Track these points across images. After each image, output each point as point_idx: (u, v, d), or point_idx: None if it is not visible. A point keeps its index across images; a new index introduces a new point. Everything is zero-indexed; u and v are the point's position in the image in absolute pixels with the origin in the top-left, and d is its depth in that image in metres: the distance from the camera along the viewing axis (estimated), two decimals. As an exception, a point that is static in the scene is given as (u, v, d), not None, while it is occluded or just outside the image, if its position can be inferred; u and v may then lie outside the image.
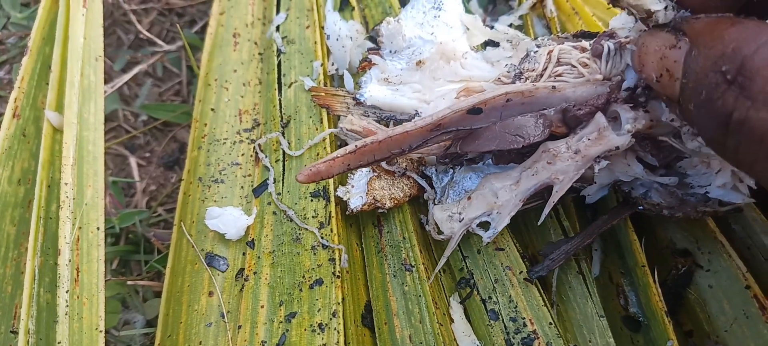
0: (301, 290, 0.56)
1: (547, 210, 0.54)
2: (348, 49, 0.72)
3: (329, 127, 0.65)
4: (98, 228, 0.58)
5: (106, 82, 0.87)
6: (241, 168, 0.66)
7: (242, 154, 0.67)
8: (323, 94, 0.67)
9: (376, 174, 0.61)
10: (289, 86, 0.70)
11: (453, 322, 0.56)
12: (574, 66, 0.56)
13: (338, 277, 0.56)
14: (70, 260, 0.54)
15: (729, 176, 0.52)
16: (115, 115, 0.88)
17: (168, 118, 0.87)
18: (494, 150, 0.55)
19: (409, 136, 0.53)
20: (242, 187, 0.65)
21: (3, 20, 0.95)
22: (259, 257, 0.59)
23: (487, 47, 0.71)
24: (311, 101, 0.67)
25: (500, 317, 0.56)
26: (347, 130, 0.64)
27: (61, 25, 0.70)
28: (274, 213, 0.61)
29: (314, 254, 0.58)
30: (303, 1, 0.78)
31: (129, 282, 0.73)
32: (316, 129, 0.65)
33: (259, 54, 0.77)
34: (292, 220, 0.60)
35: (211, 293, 0.58)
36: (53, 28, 0.72)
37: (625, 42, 0.53)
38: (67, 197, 0.57)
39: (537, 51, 0.59)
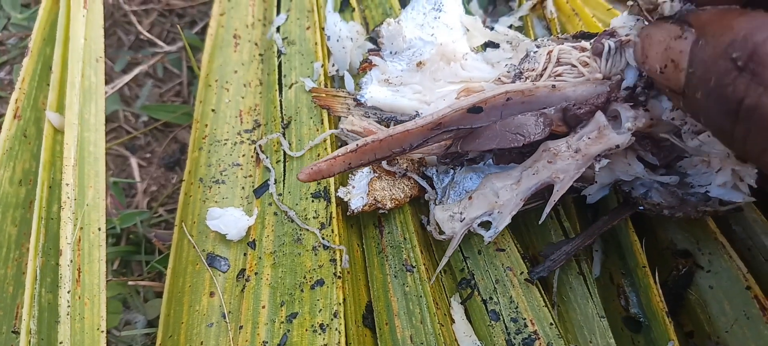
0: (302, 290, 0.56)
1: (548, 209, 0.55)
2: (348, 50, 0.73)
3: (330, 128, 0.65)
4: (99, 229, 0.58)
5: (106, 83, 0.87)
6: (242, 169, 0.67)
7: (243, 155, 0.67)
8: (324, 95, 0.67)
9: (377, 175, 0.61)
10: (290, 87, 0.70)
11: (454, 322, 0.56)
12: (574, 65, 0.56)
13: (339, 277, 0.56)
14: (71, 261, 0.54)
15: (729, 175, 0.52)
16: (115, 116, 0.88)
17: (169, 119, 0.87)
18: (495, 149, 0.55)
19: (409, 135, 0.53)
20: (243, 187, 0.65)
21: (3, 21, 0.95)
22: (260, 258, 0.59)
23: (487, 48, 0.71)
24: (312, 102, 0.67)
25: (501, 317, 0.56)
26: (348, 131, 0.64)
27: (62, 26, 0.70)
28: (275, 214, 0.61)
29: (315, 254, 0.58)
30: (303, 2, 0.78)
31: (130, 282, 0.73)
32: (317, 130, 0.65)
33: (260, 55, 0.77)
34: (293, 220, 0.60)
35: (212, 294, 0.58)
36: (54, 29, 0.72)
37: (625, 40, 0.53)
38: (69, 197, 0.57)
39: (537, 51, 0.59)
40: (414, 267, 0.58)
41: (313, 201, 0.61)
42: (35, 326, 0.54)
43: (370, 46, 0.73)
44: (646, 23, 0.48)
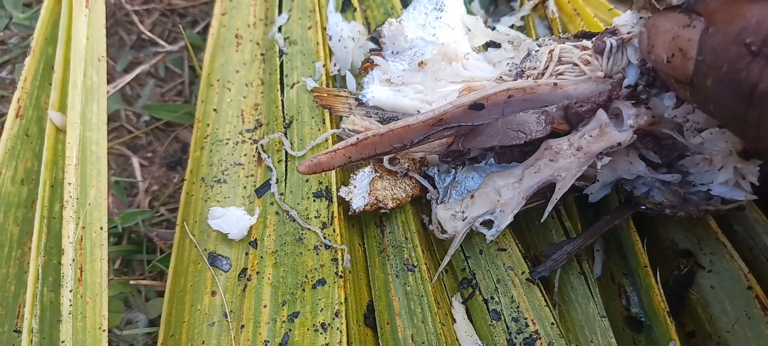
0: (303, 289, 0.56)
1: (550, 207, 0.55)
2: (350, 50, 0.73)
3: (331, 128, 0.65)
4: (101, 228, 0.58)
5: (108, 82, 0.87)
6: (243, 168, 0.67)
7: (245, 155, 0.68)
8: (325, 94, 0.67)
9: (378, 174, 0.61)
10: (292, 87, 0.70)
11: (455, 322, 0.56)
12: (575, 64, 0.56)
13: (341, 277, 0.56)
14: (73, 260, 0.54)
15: (731, 173, 0.52)
16: (117, 116, 0.88)
17: (170, 119, 0.87)
18: (496, 146, 0.55)
19: (410, 131, 0.53)
20: (245, 187, 0.65)
21: (5, 20, 0.95)
22: (261, 257, 0.59)
23: (489, 48, 0.71)
24: (313, 102, 0.67)
25: (502, 317, 0.56)
26: (349, 130, 0.64)
27: (64, 25, 0.70)
28: (277, 213, 0.61)
29: (317, 254, 0.58)
30: (305, 1, 0.78)
31: (132, 282, 0.73)
32: (319, 129, 0.65)
33: (262, 55, 0.77)
34: (294, 220, 0.60)
35: (213, 293, 0.58)
36: (56, 29, 0.72)
37: (627, 38, 0.53)
38: (71, 196, 0.57)
39: (538, 50, 0.59)
40: (415, 267, 0.58)
41: (314, 200, 0.61)
42: (37, 325, 0.54)
43: (372, 45, 0.73)
44: (652, 13, 0.48)
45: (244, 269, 0.59)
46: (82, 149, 0.62)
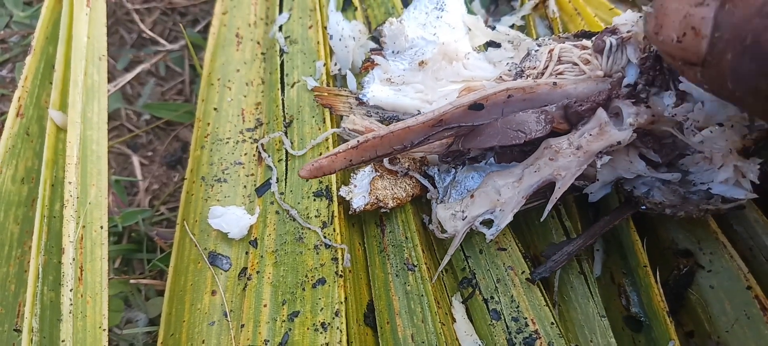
0: (303, 289, 0.56)
1: (549, 206, 0.55)
2: (351, 50, 0.73)
3: (332, 127, 0.65)
4: (102, 227, 0.58)
5: (108, 81, 0.87)
6: (244, 167, 0.67)
7: (245, 154, 0.68)
8: (326, 94, 0.68)
9: (378, 174, 0.61)
10: (292, 86, 0.70)
11: (455, 322, 0.56)
12: (575, 63, 0.56)
13: (341, 276, 0.56)
14: (73, 259, 0.55)
15: (731, 172, 0.52)
16: (117, 114, 0.88)
17: (171, 118, 0.87)
18: (496, 146, 0.55)
19: (410, 132, 0.53)
20: (245, 186, 0.65)
21: (6, 19, 0.95)
22: (262, 256, 0.59)
23: (489, 48, 0.71)
24: (314, 101, 0.68)
25: (502, 316, 0.56)
26: (350, 130, 0.64)
27: (65, 24, 0.70)
28: (277, 212, 0.61)
29: (317, 253, 0.58)
30: (306, 1, 0.78)
31: (132, 281, 0.73)
32: (319, 129, 0.66)
33: (262, 54, 0.77)
34: (294, 219, 0.60)
35: (214, 292, 0.58)
36: (57, 28, 0.72)
37: (626, 37, 0.54)
38: (71, 195, 0.57)
39: (538, 50, 0.59)
40: (415, 266, 0.58)
41: (314, 200, 0.61)
42: (37, 324, 0.54)
43: (373, 45, 0.73)
44: None
45: (244, 269, 0.59)
46: (82, 148, 0.62)
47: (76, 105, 0.63)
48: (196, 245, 0.61)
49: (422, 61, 0.66)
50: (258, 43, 0.78)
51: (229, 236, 0.61)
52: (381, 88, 0.67)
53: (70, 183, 0.58)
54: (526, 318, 0.55)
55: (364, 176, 0.61)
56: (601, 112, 0.52)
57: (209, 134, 0.69)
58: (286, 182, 0.63)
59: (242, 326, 0.55)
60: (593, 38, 0.57)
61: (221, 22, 0.80)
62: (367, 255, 0.62)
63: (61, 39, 0.70)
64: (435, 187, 0.61)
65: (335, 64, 0.73)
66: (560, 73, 0.56)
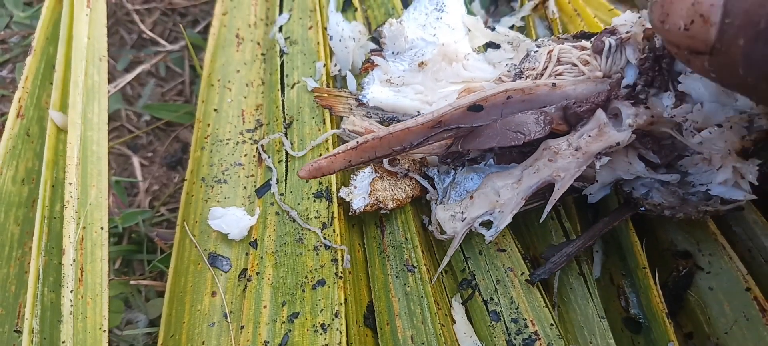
0: (303, 290, 0.56)
1: (548, 207, 0.55)
2: (351, 50, 0.73)
3: (332, 128, 0.65)
4: (102, 228, 0.59)
5: (109, 81, 0.87)
6: (244, 168, 0.67)
7: (245, 155, 0.68)
8: (326, 95, 0.68)
9: (378, 175, 0.61)
10: (292, 87, 0.70)
11: (455, 323, 0.57)
12: (574, 64, 0.56)
13: (341, 277, 0.56)
14: (74, 260, 0.55)
15: (730, 173, 0.52)
16: (118, 115, 0.88)
17: (171, 118, 0.87)
18: (495, 147, 0.55)
19: (410, 133, 0.53)
20: (245, 187, 0.65)
21: (6, 19, 0.95)
22: (261, 258, 0.59)
23: (489, 49, 0.71)
24: (314, 102, 0.68)
25: (502, 318, 0.56)
26: (349, 131, 0.64)
27: (65, 24, 0.70)
28: (277, 214, 0.61)
29: (317, 254, 0.58)
30: (306, 1, 0.78)
31: (132, 282, 0.73)
32: (319, 130, 0.66)
33: (262, 55, 0.77)
34: (294, 220, 0.60)
35: (214, 293, 0.59)
36: (57, 28, 0.73)
37: (626, 38, 0.54)
38: (72, 196, 0.58)
39: (537, 51, 0.59)
40: (415, 267, 0.58)
41: (314, 201, 0.61)
42: (38, 325, 0.54)
43: (373, 46, 0.73)
44: None
45: (244, 270, 0.59)
46: (83, 149, 0.62)
47: (77, 106, 0.63)
48: (196, 246, 0.61)
49: (422, 62, 0.67)
50: (258, 44, 0.78)
51: (229, 237, 0.61)
52: (381, 89, 0.67)
53: (70, 184, 0.58)
54: (526, 319, 0.55)
55: (363, 177, 0.61)
56: (600, 113, 0.52)
57: (209, 135, 0.69)
58: (286, 183, 0.63)
59: (242, 327, 0.55)
60: (592, 39, 0.57)
61: (221, 22, 0.80)
62: (366, 256, 0.62)
63: (61, 40, 0.70)
64: (434, 188, 0.61)
65: (335, 65, 0.73)
66: (559, 74, 0.56)
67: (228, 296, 0.58)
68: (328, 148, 0.64)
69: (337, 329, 0.53)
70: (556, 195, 0.54)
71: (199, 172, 0.67)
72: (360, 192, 0.60)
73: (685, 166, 0.55)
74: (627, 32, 0.54)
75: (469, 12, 0.76)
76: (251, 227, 0.62)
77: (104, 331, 0.53)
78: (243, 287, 0.58)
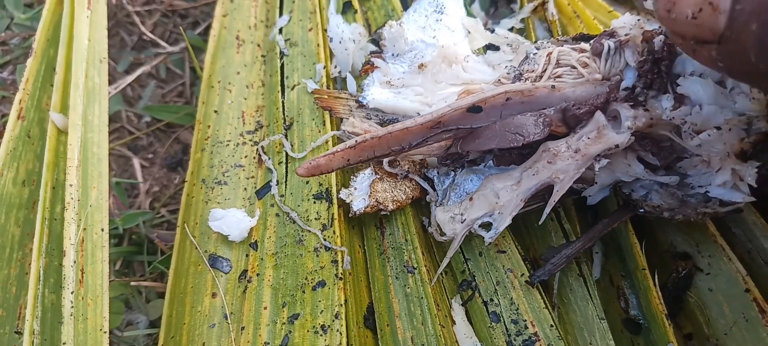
0: (303, 291, 0.56)
1: (548, 209, 0.55)
2: (351, 52, 0.73)
3: (332, 130, 0.66)
4: (102, 229, 0.59)
5: (109, 83, 0.87)
6: (244, 170, 0.67)
7: (245, 156, 0.68)
8: (326, 96, 0.68)
9: (378, 176, 0.61)
10: (292, 88, 0.70)
11: (455, 324, 0.57)
12: (573, 66, 0.56)
13: (341, 279, 0.56)
14: (74, 262, 0.55)
15: (729, 175, 0.52)
16: (118, 117, 0.88)
17: (171, 120, 0.88)
18: (494, 149, 0.55)
19: (409, 133, 0.53)
20: (245, 189, 0.66)
21: (6, 21, 0.95)
22: (262, 259, 0.59)
23: (488, 51, 0.71)
24: (314, 104, 0.68)
25: (502, 319, 0.56)
26: (349, 132, 0.64)
27: (66, 26, 0.70)
28: (277, 215, 0.61)
29: (317, 255, 0.58)
30: (306, 3, 0.78)
31: (132, 283, 0.73)
32: (319, 131, 0.66)
33: (262, 56, 0.78)
34: (295, 222, 0.60)
35: (214, 295, 0.59)
36: (57, 30, 0.73)
37: (624, 40, 0.54)
38: (72, 198, 0.58)
39: (536, 53, 0.59)
40: (415, 269, 0.58)
41: (314, 202, 0.61)
42: (38, 327, 0.54)
43: (372, 47, 0.73)
44: None
45: (245, 271, 0.60)
46: (83, 151, 0.62)
47: (77, 107, 0.63)
48: (196, 248, 0.61)
49: (422, 64, 0.67)
50: (258, 45, 0.78)
51: (230, 239, 0.61)
52: (381, 91, 0.67)
53: (71, 186, 0.58)
54: (526, 320, 0.55)
55: (363, 179, 0.61)
56: (599, 116, 0.52)
57: (210, 137, 0.69)
58: (286, 185, 0.63)
59: (242, 328, 0.55)
60: (591, 41, 0.57)
61: (221, 24, 0.80)
62: (367, 257, 0.62)
63: (62, 41, 0.70)
64: (434, 189, 0.62)
65: (335, 67, 0.73)
66: (558, 77, 0.56)
67: (228, 297, 0.59)
68: (327, 150, 0.64)
69: (338, 331, 0.53)
70: (556, 197, 0.54)
71: (199, 173, 0.67)
72: (360, 193, 0.60)
73: (684, 168, 0.55)
74: (626, 35, 0.54)
75: (469, 14, 0.76)
76: (251, 229, 0.62)
77: (105, 332, 0.53)
78: (243, 289, 0.58)
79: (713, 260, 0.58)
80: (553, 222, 0.62)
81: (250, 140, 0.69)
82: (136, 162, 0.85)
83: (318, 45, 0.73)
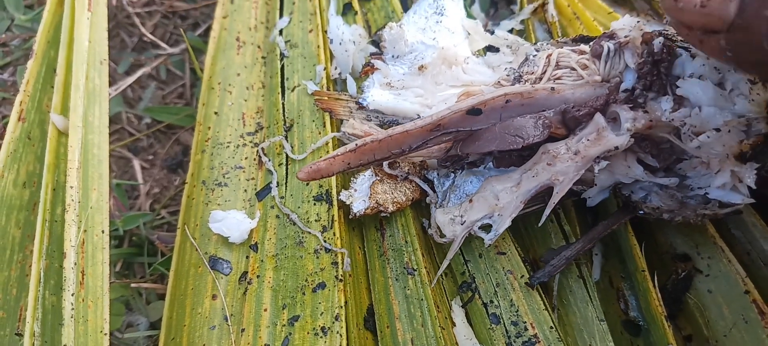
0: (304, 293, 0.56)
1: (547, 211, 0.55)
2: (351, 54, 0.73)
3: (332, 131, 0.66)
4: (103, 231, 0.59)
5: (109, 84, 0.87)
6: (244, 171, 0.67)
7: (245, 158, 0.68)
8: (326, 98, 0.68)
9: (378, 178, 0.61)
10: (292, 90, 0.70)
11: (455, 326, 0.57)
12: (573, 68, 0.56)
13: (341, 280, 0.56)
14: (75, 263, 0.55)
15: (728, 176, 0.52)
16: (118, 118, 0.88)
17: (171, 121, 0.88)
18: (494, 151, 0.55)
19: (408, 136, 0.54)
20: (245, 190, 0.66)
21: (7, 22, 0.95)
22: (262, 261, 0.59)
23: (488, 52, 0.71)
24: (314, 105, 0.68)
25: (501, 320, 0.56)
26: (349, 134, 0.64)
27: (67, 28, 0.70)
28: (278, 217, 0.62)
29: (317, 257, 0.58)
30: (306, 5, 0.78)
31: (133, 285, 0.73)
32: (319, 133, 0.66)
33: (263, 58, 0.78)
34: (295, 223, 0.60)
35: (214, 296, 0.59)
36: (58, 32, 0.73)
37: (624, 42, 0.54)
38: (73, 200, 0.58)
39: (536, 55, 0.60)
40: (415, 270, 0.58)
41: (315, 204, 0.61)
42: (39, 329, 0.54)
43: (373, 49, 0.73)
44: None
45: (245, 273, 0.60)
46: (84, 152, 0.62)
47: (78, 109, 0.63)
48: (196, 249, 0.62)
49: (422, 66, 0.67)
50: (258, 47, 0.79)
51: (230, 240, 0.61)
52: (381, 93, 0.67)
53: (71, 187, 0.58)
54: (526, 322, 0.55)
55: (364, 180, 0.61)
56: (598, 117, 0.52)
57: (210, 138, 0.70)
58: (286, 186, 0.64)
59: (243, 330, 0.55)
60: (591, 43, 0.57)
61: (222, 26, 0.80)
62: (367, 259, 0.62)
63: (62, 43, 0.70)
64: (434, 191, 0.62)
65: (335, 68, 0.73)
66: (558, 78, 0.56)
67: (228, 299, 0.59)
68: (328, 152, 0.64)
69: (338, 332, 0.53)
70: (555, 199, 0.54)
71: (199, 175, 0.67)
72: (360, 195, 0.60)
73: (684, 170, 0.55)
74: (625, 36, 0.54)
75: (469, 15, 0.76)
76: (252, 230, 0.62)
77: (105, 334, 0.54)
78: (243, 290, 0.59)
79: (713, 261, 0.58)
80: (552, 224, 0.62)
81: (251, 142, 0.69)
82: (137, 163, 0.85)
83: (318, 46, 0.73)
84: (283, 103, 0.70)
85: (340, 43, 0.74)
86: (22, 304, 0.60)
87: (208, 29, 0.94)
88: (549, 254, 0.59)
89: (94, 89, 0.67)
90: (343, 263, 0.57)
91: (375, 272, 0.60)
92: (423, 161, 0.63)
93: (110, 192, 0.77)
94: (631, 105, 0.53)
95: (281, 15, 0.79)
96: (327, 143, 0.65)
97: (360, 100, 0.67)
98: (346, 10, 0.79)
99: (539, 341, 0.54)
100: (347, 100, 0.68)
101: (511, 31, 0.80)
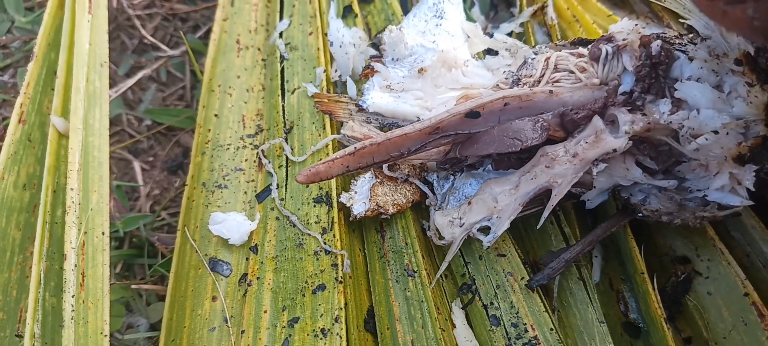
0: (303, 295, 0.56)
1: (546, 213, 0.55)
2: (351, 56, 0.73)
3: (332, 134, 0.66)
4: (103, 233, 0.59)
5: (110, 86, 0.87)
6: (244, 173, 0.67)
7: (246, 160, 0.68)
8: (326, 100, 0.68)
9: (378, 180, 0.61)
10: (292, 92, 0.71)
11: (455, 327, 0.57)
12: (571, 71, 0.56)
13: (341, 282, 0.56)
14: (75, 265, 0.55)
15: (727, 178, 0.53)
16: (119, 120, 0.89)
17: (172, 123, 0.88)
18: (493, 154, 0.56)
19: (407, 139, 0.54)
20: (245, 192, 0.66)
21: (7, 24, 0.96)
22: (262, 262, 0.59)
23: (487, 56, 0.71)
24: (314, 107, 0.68)
25: (502, 322, 0.56)
26: (349, 136, 0.64)
27: (67, 30, 0.71)
28: (277, 219, 0.62)
29: (317, 259, 0.58)
30: (306, 7, 0.79)
31: (133, 286, 0.73)
32: (319, 135, 0.66)
33: (263, 60, 0.78)
34: (295, 225, 0.60)
35: (214, 298, 0.59)
36: (58, 34, 0.73)
37: (622, 45, 0.54)
38: (73, 202, 0.58)
39: (535, 58, 0.60)
40: (415, 272, 0.58)
41: (314, 206, 0.61)
42: (39, 330, 0.54)
43: (373, 52, 0.73)
44: None
45: (245, 274, 0.60)
46: (84, 154, 0.62)
47: (78, 111, 0.63)
48: (196, 251, 0.62)
49: (421, 69, 0.67)
50: (258, 49, 0.79)
51: (230, 242, 0.61)
52: (381, 95, 0.67)
53: (71, 189, 0.58)
54: (526, 324, 0.55)
55: (364, 183, 0.61)
56: (597, 120, 0.52)
57: (210, 140, 0.70)
58: (286, 188, 0.64)
59: (242, 331, 0.56)
60: (589, 46, 0.57)
61: (222, 28, 0.80)
62: (367, 261, 0.62)
63: (62, 45, 0.70)
64: (434, 193, 0.62)
65: (335, 71, 0.73)
66: (556, 81, 0.56)
67: (228, 300, 0.59)
68: (328, 154, 0.64)
69: (338, 334, 0.53)
70: (553, 201, 0.54)
71: (199, 177, 0.67)
72: (360, 197, 0.61)
73: (683, 172, 0.56)
74: (624, 39, 0.55)
75: (469, 18, 0.77)
76: (252, 232, 0.62)
77: (105, 335, 0.54)
78: (243, 292, 0.59)
79: (712, 263, 0.59)
80: (552, 226, 0.62)
81: (251, 144, 0.69)
82: (137, 165, 0.85)
83: (318, 49, 0.74)
84: (283, 106, 0.70)
85: (340, 46, 0.74)
86: (23, 305, 0.60)
87: (209, 32, 0.94)
88: (548, 256, 0.59)
89: (95, 91, 0.67)
90: (343, 264, 0.58)
91: (375, 274, 0.60)
92: (423, 163, 0.63)
93: (110, 194, 0.77)
94: (629, 108, 0.53)
95: (281, 17, 0.80)
96: (327, 145, 0.65)
97: (360, 103, 0.67)
98: (347, 13, 0.79)
99: (539, 343, 0.54)
100: (347, 103, 0.68)
101: (510, 33, 0.80)
